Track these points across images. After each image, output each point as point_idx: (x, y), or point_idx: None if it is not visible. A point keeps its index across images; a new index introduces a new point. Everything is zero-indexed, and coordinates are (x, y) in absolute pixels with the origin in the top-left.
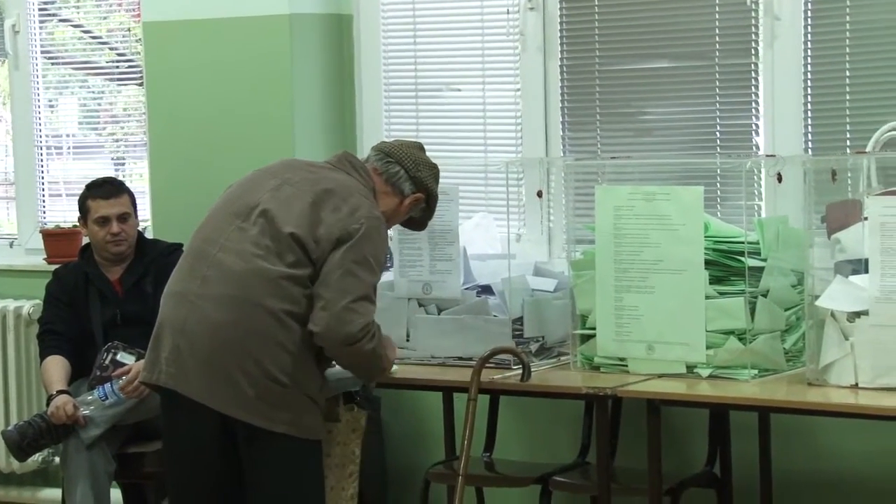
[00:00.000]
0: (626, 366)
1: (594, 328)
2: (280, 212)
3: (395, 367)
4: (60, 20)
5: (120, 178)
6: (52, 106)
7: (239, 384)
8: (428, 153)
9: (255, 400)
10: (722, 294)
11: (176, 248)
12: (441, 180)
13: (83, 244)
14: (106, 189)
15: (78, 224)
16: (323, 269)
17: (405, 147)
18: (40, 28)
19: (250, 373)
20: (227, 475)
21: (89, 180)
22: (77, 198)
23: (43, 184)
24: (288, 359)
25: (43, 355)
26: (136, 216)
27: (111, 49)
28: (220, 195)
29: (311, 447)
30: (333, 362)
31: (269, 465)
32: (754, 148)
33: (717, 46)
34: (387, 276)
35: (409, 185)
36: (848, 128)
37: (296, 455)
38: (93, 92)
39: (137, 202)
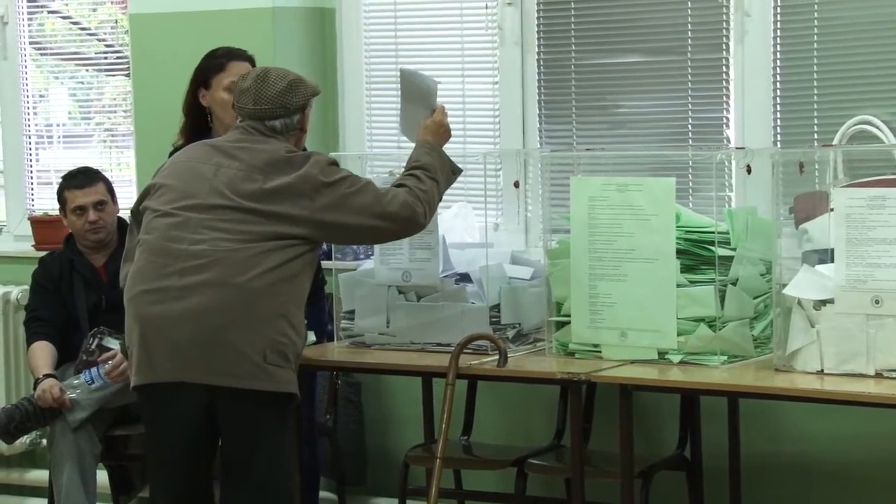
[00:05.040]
0: (600, 352)
1: (569, 315)
2: (237, 195)
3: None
4: (49, 12)
5: (108, 167)
6: (42, 96)
7: (248, 356)
8: (407, 143)
9: (266, 364)
10: (692, 282)
11: None
12: None
13: (68, 232)
14: (80, 179)
15: (60, 215)
16: (333, 221)
17: (264, 102)
18: (29, 20)
19: (255, 342)
20: (211, 449)
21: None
22: None
23: (32, 172)
24: (284, 323)
25: (29, 341)
26: (115, 203)
27: (99, 40)
28: (152, 195)
29: (294, 401)
30: None
31: (278, 427)
32: (725, 140)
33: (690, 42)
34: (367, 264)
35: (295, 118)
36: (815, 121)
37: (290, 411)
38: (82, 83)
39: (127, 191)
